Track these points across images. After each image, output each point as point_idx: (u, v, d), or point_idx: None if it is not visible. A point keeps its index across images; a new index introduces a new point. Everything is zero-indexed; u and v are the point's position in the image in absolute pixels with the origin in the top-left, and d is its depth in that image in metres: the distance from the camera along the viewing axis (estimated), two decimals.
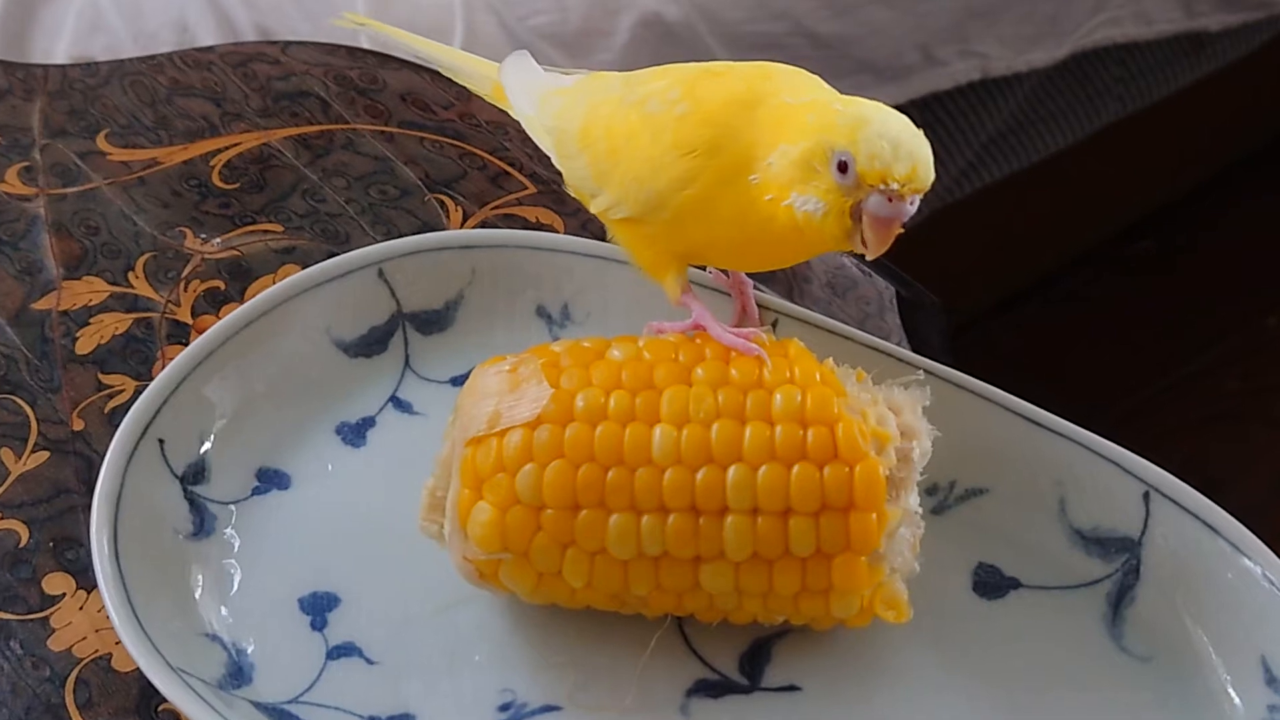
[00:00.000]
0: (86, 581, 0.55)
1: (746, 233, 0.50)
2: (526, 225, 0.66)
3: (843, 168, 0.47)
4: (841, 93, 0.51)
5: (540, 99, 0.56)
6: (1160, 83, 1.27)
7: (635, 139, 0.52)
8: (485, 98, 0.60)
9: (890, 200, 0.47)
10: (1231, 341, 1.40)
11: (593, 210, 0.54)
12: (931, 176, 0.48)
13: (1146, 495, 0.54)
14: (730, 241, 0.52)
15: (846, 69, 1.06)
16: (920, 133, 0.48)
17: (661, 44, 1.01)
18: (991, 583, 0.54)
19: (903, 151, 0.47)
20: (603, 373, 0.51)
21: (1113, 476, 0.54)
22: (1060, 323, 1.41)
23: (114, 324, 0.63)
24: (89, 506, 0.53)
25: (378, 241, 0.64)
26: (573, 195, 0.56)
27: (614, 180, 0.52)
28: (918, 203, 0.48)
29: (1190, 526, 0.53)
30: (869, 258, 0.48)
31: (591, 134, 0.53)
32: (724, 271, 0.57)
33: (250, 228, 0.67)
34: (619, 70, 0.56)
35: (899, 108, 1.24)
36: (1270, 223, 1.48)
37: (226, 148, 0.71)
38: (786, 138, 0.48)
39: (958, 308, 1.23)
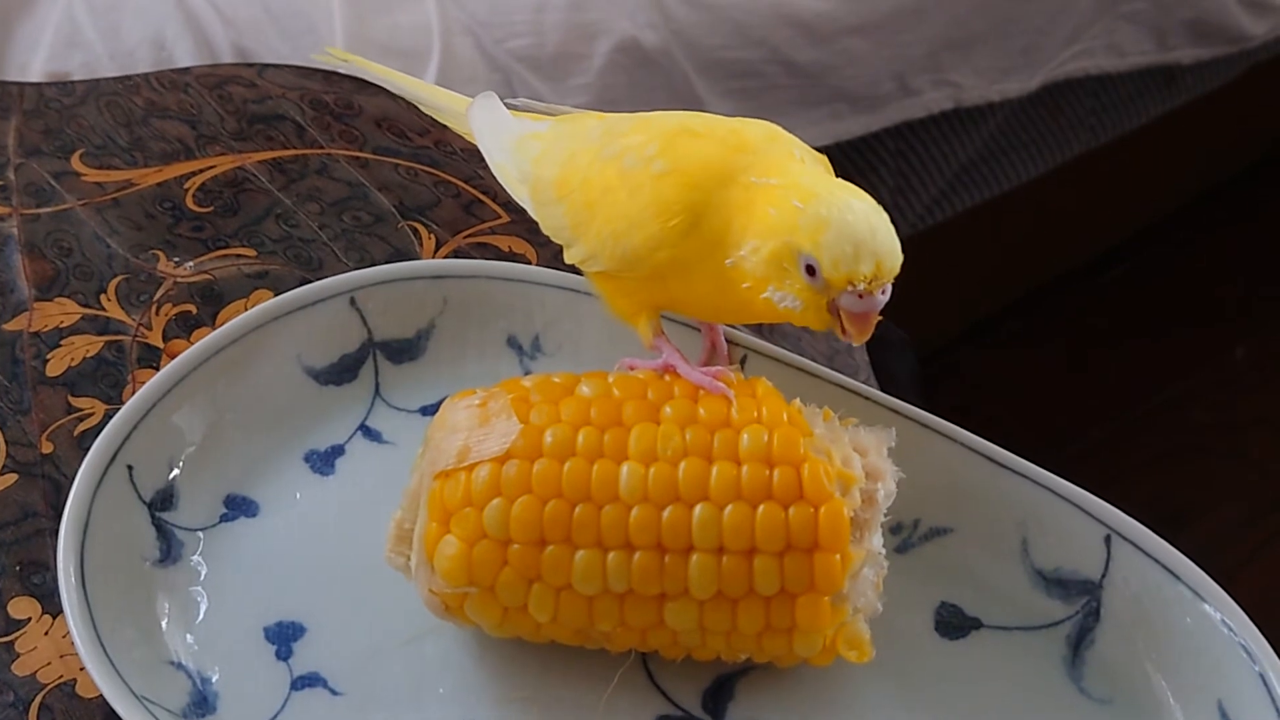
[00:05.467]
0: (52, 606, 0.55)
1: (723, 302, 0.51)
2: (499, 254, 0.67)
3: (810, 270, 0.48)
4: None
5: (514, 145, 0.56)
6: (1132, 114, 1.28)
7: (612, 194, 0.52)
8: (462, 134, 0.60)
9: (861, 296, 0.48)
10: (1200, 373, 1.41)
11: (568, 260, 0.54)
12: (898, 262, 0.48)
13: (1108, 538, 0.54)
14: (705, 303, 0.52)
15: (822, 97, 1.07)
16: (880, 214, 0.48)
17: (638, 70, 1.01)
18: (953, 622, 0.55)
19: (865, 251, 0.47)
20: (572, 409, 0.51)
21: (1074, 519, 0.54)
22: (1029, 351, 1.42)
23: (85, 346, 0.63)
24: (56, 531, 0.53)
25: (350, 268, 0.64)
26: None
27: (590, 233, 0.53)
28: (889, 290, 0.48)
29: (1151, 570, 0.53)
30: (854, 344, 0.49)
31: (569, 184, 0.53)
32: None
33: (223, 251, 0.67)
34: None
35: (873, 136, 1.24)
36: (1238, 254, 1.49)
37: (201, 170, 0.71)
38: (754, 231, 0.49)
39: (927, 334, 1.23)
